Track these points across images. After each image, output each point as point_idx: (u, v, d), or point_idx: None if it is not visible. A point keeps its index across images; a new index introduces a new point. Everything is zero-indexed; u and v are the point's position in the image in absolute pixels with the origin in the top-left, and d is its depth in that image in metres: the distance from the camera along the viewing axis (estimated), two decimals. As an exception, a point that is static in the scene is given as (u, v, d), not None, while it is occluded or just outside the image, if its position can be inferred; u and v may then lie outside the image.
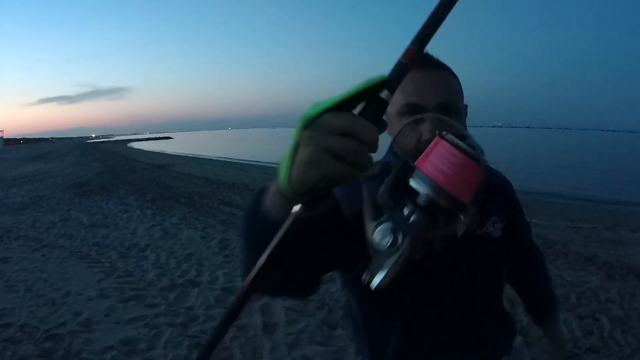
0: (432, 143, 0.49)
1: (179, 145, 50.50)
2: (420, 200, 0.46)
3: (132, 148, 39.64)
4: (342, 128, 0.40)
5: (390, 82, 0.42)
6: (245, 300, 0.47)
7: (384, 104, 0.43)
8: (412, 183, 0.46)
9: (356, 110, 0.43)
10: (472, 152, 0.45)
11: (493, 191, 0.87)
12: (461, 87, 0.83)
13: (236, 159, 22.22)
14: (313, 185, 0.42)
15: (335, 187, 0.42)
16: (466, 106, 0.85)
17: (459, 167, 0.45)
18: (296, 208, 0.44)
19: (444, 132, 0.48)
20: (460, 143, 0.46)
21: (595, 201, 10.54)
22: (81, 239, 5.06)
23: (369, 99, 0.43)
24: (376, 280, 0.44)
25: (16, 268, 4.02)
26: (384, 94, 0.42)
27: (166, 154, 29.11)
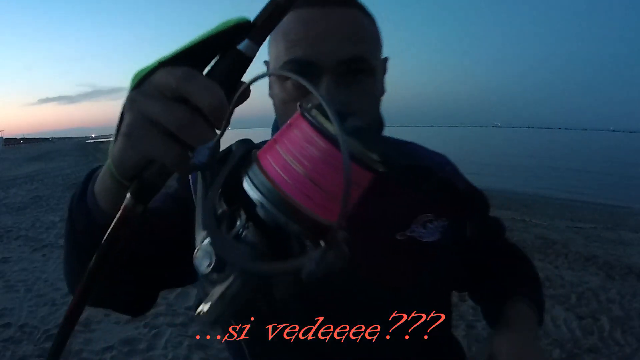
0: (288, 121, 0.31)
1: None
2: (258, 211, 0.29)
3: (132, 148, 39.63)
4: (171, 88, 0.28)
5: (255, 28, 0.30)
6: (79, 312, 0.34)
7: (243, 59, 0.30)
8: (245, 185, 0.29)
9: None
10: (337, 139, 0.26)
11: (426, 178, 0.63)
12: (378, 33, 0.57)
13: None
14: (134, 167, 0.31)
15: (171, 173, 0.31)
16: (385, 60, 0.61)
17: (322, 165, 0.27)
18: (127, 197, 0.32)
19: (308, 105, 0.29)
20: (329, 124, 0.27)
21: (595, 202, 10.56)
22: (81, 239, 5.07)
23: (223, 52, 0.31)
24: (200, 311, 0.29)
25: (16, 268, 4.01)
26: (243, 44, 0.30)
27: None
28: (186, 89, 0.28)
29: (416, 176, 0.63)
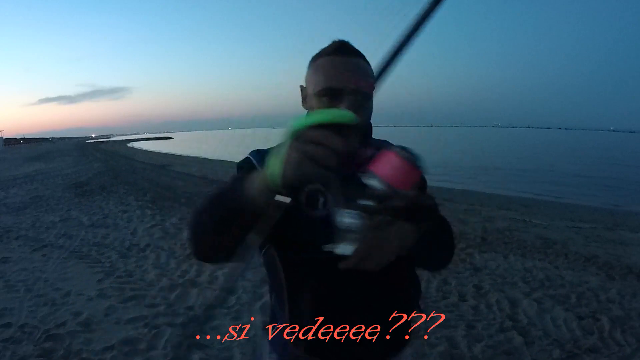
0: (381, 153, 0.64)
1: (178, 145, 50.52)
2: (375, 192, 0.61)
3: (132, 148, 39.65)
4: (321, 140, 0.56)
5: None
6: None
7: (353, 128, 0.61)
8: (367, 181, 0.62)
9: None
10: (411, 159, 0.61)
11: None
12: (373, 72, 0.96)
13: (236, 159, 22.25)
14: (296, 181, 0.58)
15: (312, 183, 0.61)
16: (374, 88, 0.99)
17: (402, 170, 0.61)
18: (280, 197, 0.63)
19: (393, 146, 0.65)
20: (402, 152, 0.61)
21: (595, 202, 10.54)
22: (81, 239, 5.06)
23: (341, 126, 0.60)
24: (345, 251, 0.62)
25: (16, 268, 4.02)
26: (354, 122, 0.61)
27: (166, 153, 29.12)
28: (329, 141, 0.56)
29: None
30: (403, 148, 0.63)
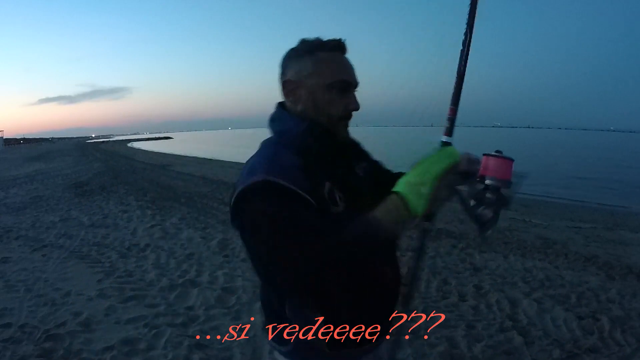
0: (483, 160, 0.87)
1: (178, 145, 50.53)
2: (493, 187, 0.84)
3: (132, 148, 39.66)
4: (471, 169, 0.87)
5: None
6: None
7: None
8: (487, 181, 0.85)
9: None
10: (505, 156, 0.85)
11: (356, 146, 1.12)
12: None
13: (236, 159, 22.26)
14: (440, 207, 0.85)
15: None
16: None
17: (502, 165, 0.84)
18: (422, 221, 0.93)
19: (488, 152, 0.86)
20: (498, 154, 0.85)
21: (595, 202, 10.53)
22: (81, 239, 5.06)
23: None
24: (489, 233, 0.88)
25: (16, 268, 4.02)
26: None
27: (166, 154, 29.12)
28: (474, 169, 0.87)
29: (354, 146, 1.10)
30: (498, 151, 0.85)
